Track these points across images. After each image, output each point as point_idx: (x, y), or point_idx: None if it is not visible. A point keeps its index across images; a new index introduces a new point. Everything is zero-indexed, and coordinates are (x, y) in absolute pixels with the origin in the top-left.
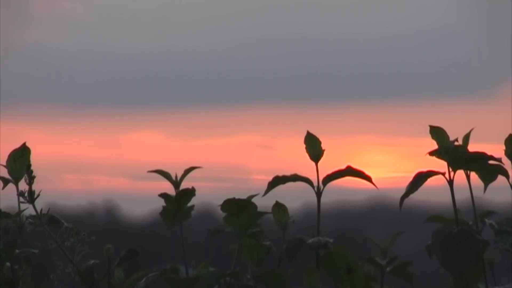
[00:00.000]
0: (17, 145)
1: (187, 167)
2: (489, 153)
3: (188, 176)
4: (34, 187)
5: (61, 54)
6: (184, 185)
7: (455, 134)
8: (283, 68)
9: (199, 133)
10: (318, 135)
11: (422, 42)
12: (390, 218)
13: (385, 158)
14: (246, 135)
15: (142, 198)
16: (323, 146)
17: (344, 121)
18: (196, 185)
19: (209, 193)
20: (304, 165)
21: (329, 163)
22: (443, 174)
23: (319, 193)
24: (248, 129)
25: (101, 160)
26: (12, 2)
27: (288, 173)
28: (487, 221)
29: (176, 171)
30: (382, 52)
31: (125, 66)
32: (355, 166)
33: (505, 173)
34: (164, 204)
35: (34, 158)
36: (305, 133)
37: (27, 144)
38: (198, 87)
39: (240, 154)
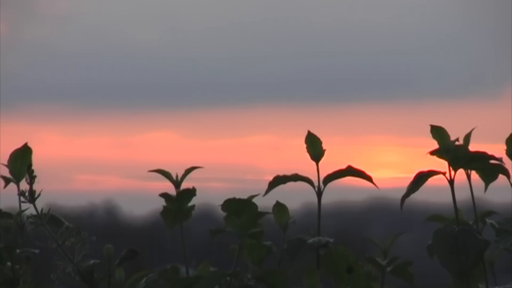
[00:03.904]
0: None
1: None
2: (490, 152)
3: (198, 177)
4: (35, 186)
5: (73, 54)
6: (192, 185)
7: (463, 134)
8: (298, 68)
9: (213, 133)
10: (331, 136)
11: (425, 43)
12: (390, 218)
13: (399, 158)
14: (259, 135)
15: (150, 198)
16: (337, 146)
17: (359, 121)
18: (205, 186)
19: (217, 193)
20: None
21: (338, 163)
22: (444, 173)
23: (319, 193)
24: (262, 129)
25: (114, 160)
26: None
27: (299, 173)
28: (488, 220)
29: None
30: (395, 53)
31: (139, 67)
32: (365, 166)
33: (506, 173)
34: (164, 204)
35: (46, 159)
36: (318, 134)
37: (38, 144)
38: (213, 88)
39: (254, 155)
